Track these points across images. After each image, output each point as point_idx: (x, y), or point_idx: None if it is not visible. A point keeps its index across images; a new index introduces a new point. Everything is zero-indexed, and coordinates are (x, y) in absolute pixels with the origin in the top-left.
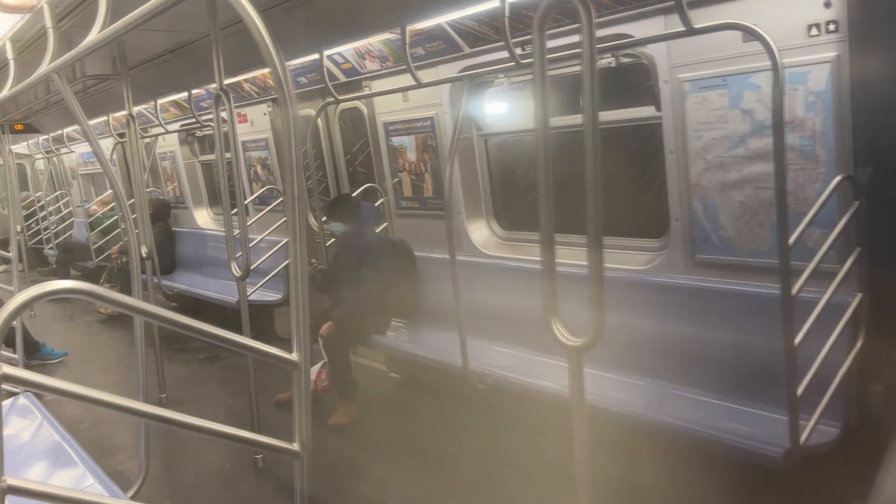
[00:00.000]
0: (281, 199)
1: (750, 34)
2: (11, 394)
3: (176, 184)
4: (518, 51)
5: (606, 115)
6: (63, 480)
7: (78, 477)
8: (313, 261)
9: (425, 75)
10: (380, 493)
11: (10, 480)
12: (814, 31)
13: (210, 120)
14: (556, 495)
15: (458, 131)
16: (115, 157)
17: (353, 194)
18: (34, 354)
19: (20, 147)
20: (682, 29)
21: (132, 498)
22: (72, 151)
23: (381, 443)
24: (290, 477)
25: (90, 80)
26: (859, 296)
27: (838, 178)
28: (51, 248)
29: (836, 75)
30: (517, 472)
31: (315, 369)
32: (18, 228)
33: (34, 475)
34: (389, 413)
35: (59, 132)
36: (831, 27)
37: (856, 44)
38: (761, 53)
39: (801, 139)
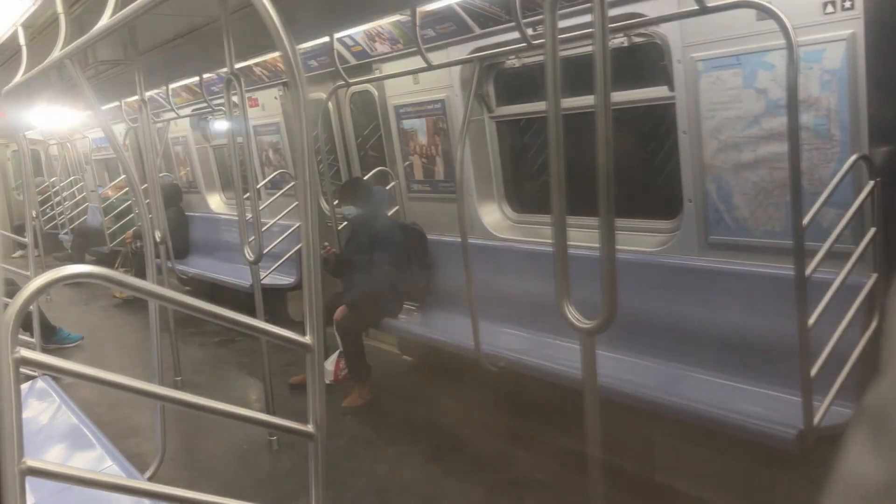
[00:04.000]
0: (293, 184)
1: (764, 12)
2: (29, 377)
3: (188, 168)
4: (529, 31)
5: (619, 96)
6: (81, 462)
7: (96, 459)
8: (326, 244)
9: (436, 57)
10: (394, 474)
11: (30, 462)
12: (829, 9)
13: (221, 104)
14: (568, 476)
15: (468, 113)
16: (127, 142)
17: (365, 178)
18: (51, 338)
19: (34, 133)
20: (696, 7)
21: (150, 479)
22: (85, 137)
23: (395, 424)
24: (305, 458)
25: (102, 66)
26: (874, 276)
27: (853, 158)
28: (65, 234)
29: (852, 53)
30: (529, 453)
31: (332, 359)
32: (34, 214)
33: (53, 457)
34: (402, 395)
35: None
36: (847, 4)
37: (872, 21)
38: (776, 32)
39: (815, 118)
